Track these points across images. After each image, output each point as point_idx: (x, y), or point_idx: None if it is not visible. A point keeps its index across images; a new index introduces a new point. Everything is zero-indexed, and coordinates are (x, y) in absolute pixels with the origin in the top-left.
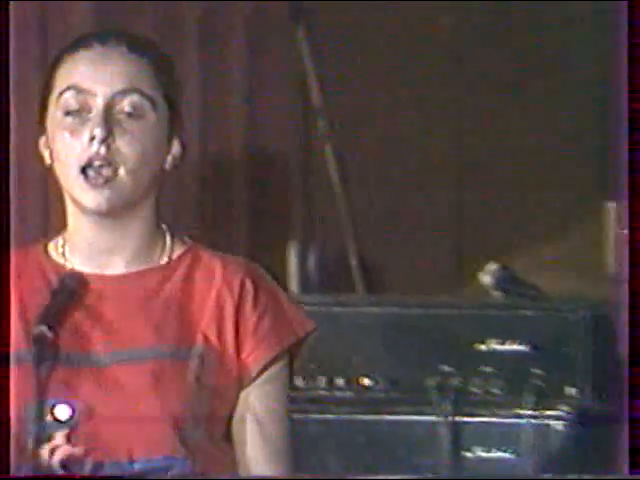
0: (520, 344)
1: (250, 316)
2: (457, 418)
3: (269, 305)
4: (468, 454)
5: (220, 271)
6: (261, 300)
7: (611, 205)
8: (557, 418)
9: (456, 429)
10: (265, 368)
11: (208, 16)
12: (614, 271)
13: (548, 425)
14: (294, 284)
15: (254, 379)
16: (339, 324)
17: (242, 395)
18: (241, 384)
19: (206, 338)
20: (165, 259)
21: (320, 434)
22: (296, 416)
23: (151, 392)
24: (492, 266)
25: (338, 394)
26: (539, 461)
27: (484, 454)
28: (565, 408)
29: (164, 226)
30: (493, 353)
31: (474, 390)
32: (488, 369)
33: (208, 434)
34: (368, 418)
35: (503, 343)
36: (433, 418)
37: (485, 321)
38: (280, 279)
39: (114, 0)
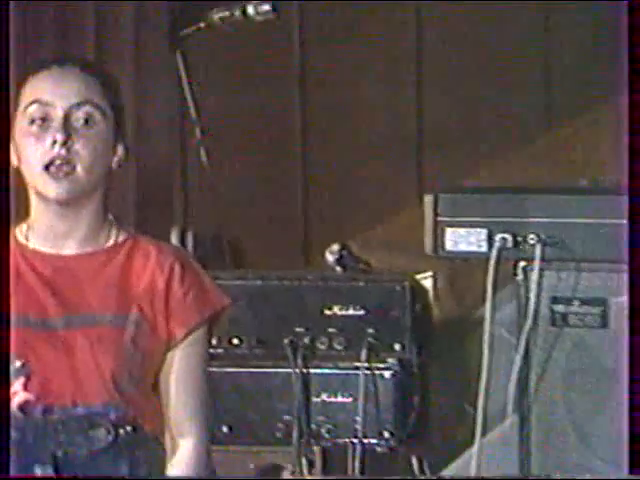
0: (356, 309)
1: (177, 291)
2: (307, 370)
3: (193, 283)
4: (316, 399)
5: (154, 255)
6: (187, 279)
7: (427, 197)
8: (386, 368)
9: (306, 378)
10: (188, 334)
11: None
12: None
13: (379, 374)
14: None
15: (179, 342)
16: None
17: (169, 355)
18: (168, 346)
19: (141, 308)
20: (110, 243)
21: None
22: None
23: (94, 351)
24: (334, 246)
25: (211, 351)
26: (372, 402)
27: (328, 399)
28: (392, 360)
29: (110, 216)
30: (335, 317)
31: (320, 347)
32: (331, 329)
33: (140, 387)
34: (235, 370)
35: (343, 308)
36: (288, 370)
37: (329, 291)
38: None
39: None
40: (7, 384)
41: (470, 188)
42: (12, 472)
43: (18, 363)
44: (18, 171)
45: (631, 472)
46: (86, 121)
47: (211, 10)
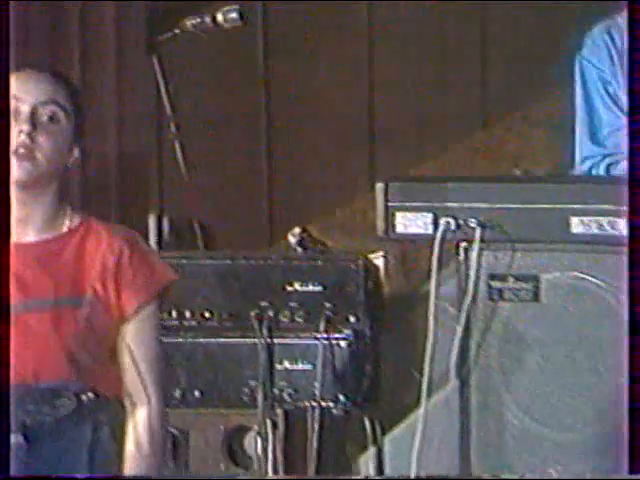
0: (315, 286)
1: (127, 270)
2: (271, 340)
3: (141, 262)
4: (279, 366)
5: (106, 237)
6: (135, 258)
7: (379, 185)
8: (342, 339)
9: (270, 348)
10: (139, 309)
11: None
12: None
13: (336, 344)
14: (153, 244)
15: (131, 317)
16: (186, 272)
17: (122, 330)
18: (121, 322)
19: (94, 289)
20: (65, 229)
21: (173, 353)
22: None
23: (53, 332)
24: (296, 229)
25: (185, 323)
26: (329, 369)
27: (290, 366)
28: (347, 331)
29: (66, 204)
30: (296, 292)
31: (283, 319)
32: (293, 304)
33: (98, 361)
34: (206, 341)
35: (303, 285)
36: (254, 340)
37: (290, 269)
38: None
39: None
40: (7, 383)
41: (417, 177)
42: None
43: None
44: None
45: (631, 472)
46: (51, 118)
47: (184, 18)
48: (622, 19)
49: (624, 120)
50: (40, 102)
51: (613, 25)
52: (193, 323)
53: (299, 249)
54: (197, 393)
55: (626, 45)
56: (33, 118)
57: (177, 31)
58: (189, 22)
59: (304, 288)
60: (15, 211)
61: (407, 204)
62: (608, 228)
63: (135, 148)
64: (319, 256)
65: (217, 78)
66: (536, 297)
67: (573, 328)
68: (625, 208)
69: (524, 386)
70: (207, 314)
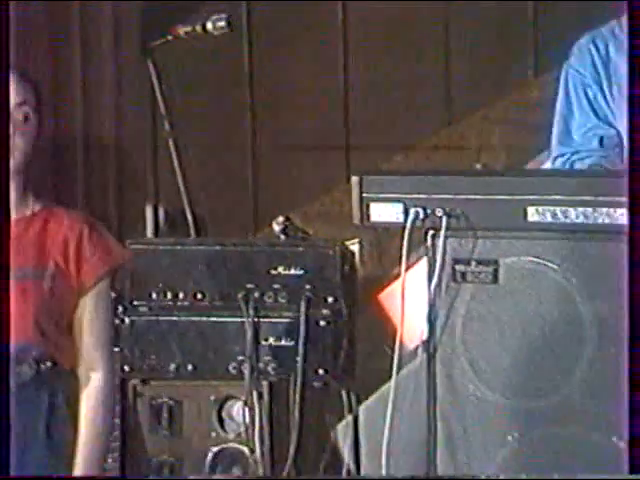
0: (297, 270)
1: (86, 249)
2: (257, 319)
3: (99, 242)
4: (264, 342)
5: (67, 219)
6: (93, 239)
7: (354, 178)
8: (321, 318)
9: (256, 326)
10: (96, 282)
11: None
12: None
13: (315, 322)
14: (149, 232)
15: (89, 290)
16: (179, 257)
17: (81, 301)
18: (80, 293)
19: (56, 264)
20: (29, 212)
21: (168, 330)
22: (152, 318)
23: (20, 299)
24: (279, 218)
25: (179, 304)
26: (310, 345)
27: (274, 342)
28: (326, 311)
29: (28, 192)
30: (280, 275)
31: (268, 300)
32: (276, 286)
33: (57, 327)
34: (198, 319)
35: (286, 269)
36: (241, 319)
37: (274, 254)
38: (137, 229)
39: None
40: (7, 383)
41: (389, 171)
42: None
43: None
44: None
45: (631, 472)
46: (25, 119)
47: (176, 25)
48: (606, 30)
49: (596, 122)
50: (15, 104)
51: (598, 35)
52: (186, 303)
53: (282, 236)
54: (190, 367)
55: (612, 54)
56: (10, 119)
57: (170, 37)
58: (181, 30)
59: (287, 272)
60: None
61: (380, 195)
62: (561, 217)
63: (132, 144)
64: (300, 243)
65: (206, 78)
66: (495, 279)
67: (528, 307)
68: (581, 198)
69: (484, 360)
70: (199, 295)
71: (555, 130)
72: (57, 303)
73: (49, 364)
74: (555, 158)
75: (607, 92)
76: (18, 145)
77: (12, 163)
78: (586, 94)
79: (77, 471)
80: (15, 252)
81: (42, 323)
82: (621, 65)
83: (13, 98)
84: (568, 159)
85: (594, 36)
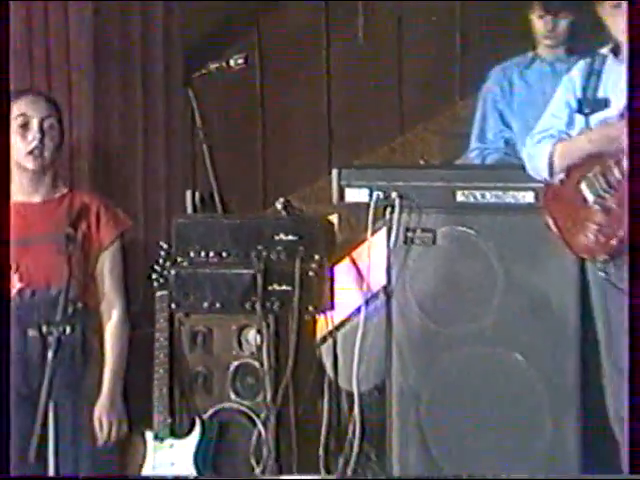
0: (294, 235)
1: (102, 218)
2: (265, 270)
3: (110, 214)
4: (270, 287)
5: (87, 198)
6: (105, 211)
7: (334, 171)
8: (311, 269)
9: (264, 276)
10: (111, 243)
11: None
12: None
13: (306, 272)
14: (189, 209)
15: (105, 248)
16: (210, 228)
17: (100, 257)
18: (99, 251)
19: (82, 228)
20: (58, 194)
21: (202, 279)
22: (190, 270)
23: (56, 255)
24: (281, 199)
25: (210, 260)
26: (303, 288)
27: (277, 287)
28: (314, 265)
29: (58, 180)
30: (281, 240)
31: (272, 257)
32: (279, 248)
33: (85, 276)
34: (224, 271)
35: (286, 235)
36: (252, 271)
37: (278, 225)
38: (180, 208)
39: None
40: (7, 383)
41: (358, 165)
42: (12, 336)
43: (14, 266)
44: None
45: (631, 472)
46: (51, 127)
47: (208, 62)
48: (512, 63)
49: (502, 127)
50: (44, 116)
51: (506, 66)
52: (215, 260)
53: (283, 212)
54: (218, 304)
55: (515, 81)
56: (41, 128)
57: (204, 71)
58: (212, 66)
59: (286, 238)
60: (28, 185)
61: (352, 183)
62: (480, 198)
63: (177, 147)
64: (296, 216)
65: (228, 102)
66: (434, 242)
67: (457, 262)
68: (494, 184)
69: (427, 299)
70: (224, 254)
71: (474, 131)
72: (84, 258)
73: (80, 305)
74: (472, 150)
75: (511, 107)
76: (48, 147)
77: (41, 161)
78: (496, 107)
79: (106, 378)
80: (50, 222)
81: (74, 273)
82: (520, 89)
83: (41, 112)
84: (481, 152)
85: (504, 67)
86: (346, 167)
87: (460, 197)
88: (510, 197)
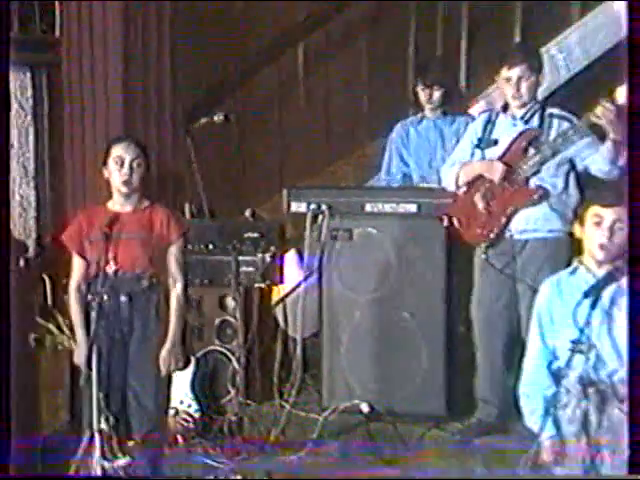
0: (257, 234)
1: (171, 222)
2: (239, 257)
3: (176, 219)
4: (241, 269)
5: (160, 211)
6: (173, 218)
7: (284, 190)
8: (269, 257)
9: (237, 262)
10: (176, 240)
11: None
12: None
13: (264, 258)
14: (187, 217)
15: (173, 243)
16: (202, 228)
17: (170, 249)
18: (169, 244)
19: (158, 228)
20: (142, 207)
21: (196, 263)
22: (191, 257)
23: (139, 246)
24: (248, 209)
25: (201, 249)
26: (263, 270)
27: (246, 269)
28: (269, 253)
29: (143, 197)
30: (249, 237)
31: (244, 249)
32: (248, 242)
33: (160, 262)
34: (210, 258)
35: (252, 234)
36: (230, 258)
37: (246, 227)
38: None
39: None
40: (7, 382)
41: (299, 187)
42: (110, 300)
43: (111, 254)
44: (108, 182)
45: (631, 472)
46: (139, 165)
47: (201, 117)
48: (410, 120)
49: (401, 165)
50: (133, 157)
51: (407, 121)
52: (204, 250)
53: (251, 218)
54: (206, 281)
55: (411, 133)
56: (131, 166)
57: (197, 125)
58: (203, 120)
59: (252, 235)
60: (123, 201)
61: (296, 198)
62: (381, 208)
63: (180, 175)
64: (259, 222)
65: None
66: (351, 238)
67: (368, 253)
68: (390, 199)
69: (347, 277)
70: (210, 246)
71: (383, 167)
72: (158, 248)
73: (154, 280)
74: (382, 180)
75: (408, 150)
76: (134, 179)
77: (131, 188)
78: (398, 151)
79: (170, 329)
80: (137, 225)
81: (153, 259)
82: (414, 138)
83: (132, 154)
84: (388, 182)
85: (403, 123)
86: (291, 187)
87: (368, 208)
88: (401, 208)
